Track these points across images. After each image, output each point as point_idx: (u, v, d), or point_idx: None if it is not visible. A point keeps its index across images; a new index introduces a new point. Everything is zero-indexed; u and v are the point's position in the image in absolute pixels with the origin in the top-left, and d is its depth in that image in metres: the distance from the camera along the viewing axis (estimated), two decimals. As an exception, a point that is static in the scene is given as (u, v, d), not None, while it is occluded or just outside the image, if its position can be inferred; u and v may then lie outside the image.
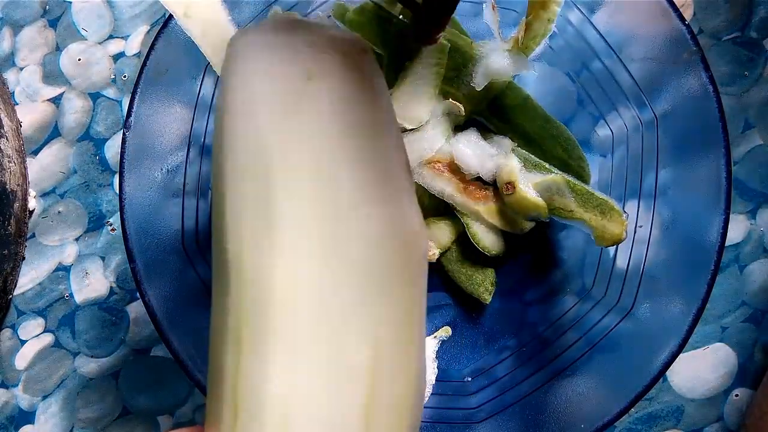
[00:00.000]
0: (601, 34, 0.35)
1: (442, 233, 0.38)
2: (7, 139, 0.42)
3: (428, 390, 0.36)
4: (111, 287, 0.43)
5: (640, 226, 0.35)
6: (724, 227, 0.30)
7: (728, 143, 0.30)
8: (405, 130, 0.36)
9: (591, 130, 0.39)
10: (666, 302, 0.32)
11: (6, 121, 0.42)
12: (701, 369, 0.41)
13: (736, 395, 0.41)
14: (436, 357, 0.38)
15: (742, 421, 0.40)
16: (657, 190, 0.35)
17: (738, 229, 0.42)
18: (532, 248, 0.40)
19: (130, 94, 0.32)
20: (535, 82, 0.40)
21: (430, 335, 0.39)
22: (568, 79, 0.39)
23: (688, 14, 0.42)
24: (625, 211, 0.34)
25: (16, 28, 0.45)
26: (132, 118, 0.32)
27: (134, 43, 0.45)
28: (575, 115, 0.40)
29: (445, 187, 0.37)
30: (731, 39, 0.42)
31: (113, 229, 0.44)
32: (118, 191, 0.33)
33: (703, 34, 0.42)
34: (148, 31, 0.45)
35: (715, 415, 0.41)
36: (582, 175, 0.38)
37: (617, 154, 0.38)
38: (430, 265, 0.39)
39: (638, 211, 0.36)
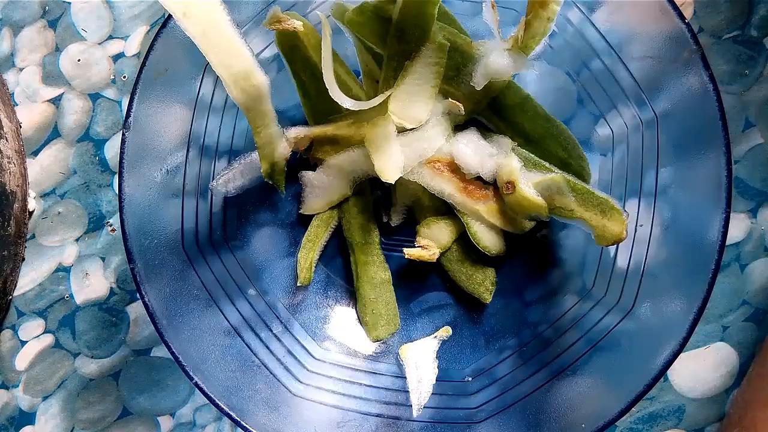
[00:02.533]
0: (601, 33, 0.35)
1: (442, 233, 0.38)
2: (6, 140, 0.42)
3: (428, 390, 0.36)
4: (111, 288, 0.43)
5: (641, 225, 0.35)
6: (724, 226, 0.30)
7: (729, 142, 0.30)
8: (405, 130, 0.36)
9: (591, 129, 0.39)
10: (667, 301, 0.32)
11: (6, 122, 0.42)
12: (702, 368, 0.41)
13: (738, 394, 0.41)
14: (437, 357, 0.38)
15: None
16: (657, 189, 0.35)
17: (739, 227, 0.42)
18: (532, 248, 0.40)
19: (130, 95, 0.32)
20: (535, 81, 0.40)
21: (430, 335, 0.39)
22: (568, 78, 0.39)
23: (688, 13, 0.42)
24: (625, 210, 0.34)
25: (16, 28, 0.45)
26: (131, 119, 0.32)
27: (134, 43, 0.45)
28: (575, 114, 0.40)
29: (445, 186, 0.37)
30: (732, 37, 0.42)
31: (113, 230, 0.44)
32: (117, 192, 0.33)
33: (703, 33, 0.42)
34: (147, 32, 0.45)
35: (716, 415, 0.41)
36: (582, 175, 0.37)
37: (617, 153, 0.38)
38: (431, 264, 0.39)
39: (639, 210, 0.36)
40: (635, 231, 0.35)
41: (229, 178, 0.38)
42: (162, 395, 0.42)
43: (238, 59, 0.32)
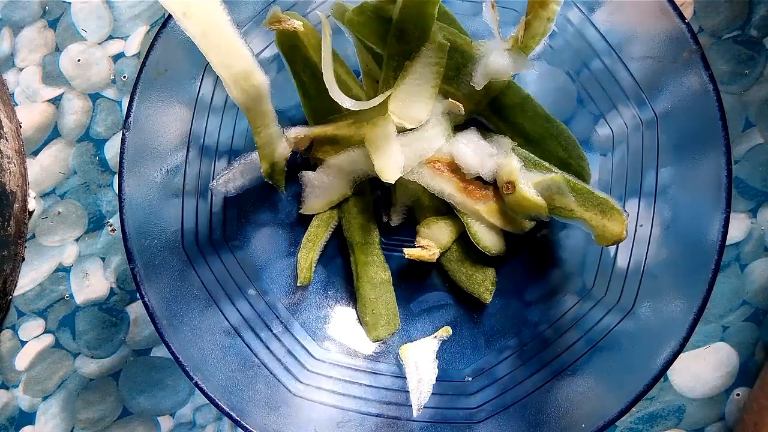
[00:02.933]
0: (601, 33, 0.35)
1: (442, 233, 0.38)
2: (6, 140, 0.42)
3: (428, 390, 0.36)
4: (111, 288, 0.43)
5: (641, 225, 0.35)
6: (724, 226, 0.30)
7: (728, 142, 0.30)
8: (405, 130, 0.36)
9: (591, 129, 0.39)
10: (667, 301, 0.32)
11: (6, 123, 0.42)
12: (702, 368, 0.41)
13: (737, 395, 0.41)
14: (437, 357, 0.38)
15: (740, 415, 0.40)
16: (657, 189, 0.35)
17: (739, 227, 0.41)
18: (532, 248, 0.40)
19: (130, 95, 0.32)
20: (535, 81, 0.40)
21: (430, 335, 0.39)
22: (568, 78, 0.39)
23: (688, 13, 0.42)
24: (625, 210, 0.34)
25: (16, 28, 0.45)
26: (131, 119, 0.32)
27: (134, 43, 0.45)
28: (575, 114, 0.40)
29: (445, 186, 0.37)
30: (732, 37, 0.42)
31: (113, 230, 0.44)
32: (117, 192, 0.33)
33: (703, 33, 0.42)
34: (147, 32, 0.45)
35: (716, 415, 0.41)
36: (582, 175, 0.37)
37: (617, 153, 0.38)
38: (431, 264, 0.39)
39: (639, 210, 0.36)
40: (635, 231, 0.35)
41: (229, 178, 0.38)
42: (162, 395, 0.42)
43: (238, 59, 0.32)
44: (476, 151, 0.37)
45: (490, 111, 0.38)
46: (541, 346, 0.38)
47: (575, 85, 0.39)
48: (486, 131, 0.38)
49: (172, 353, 0.32)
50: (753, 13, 0.42)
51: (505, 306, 0.40)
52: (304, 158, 0.40)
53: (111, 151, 0.44)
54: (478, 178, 0.38)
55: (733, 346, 0.41)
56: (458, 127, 0.38)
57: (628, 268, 0.36)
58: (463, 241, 0.39)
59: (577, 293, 0.39)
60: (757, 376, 0.41)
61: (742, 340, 0.41)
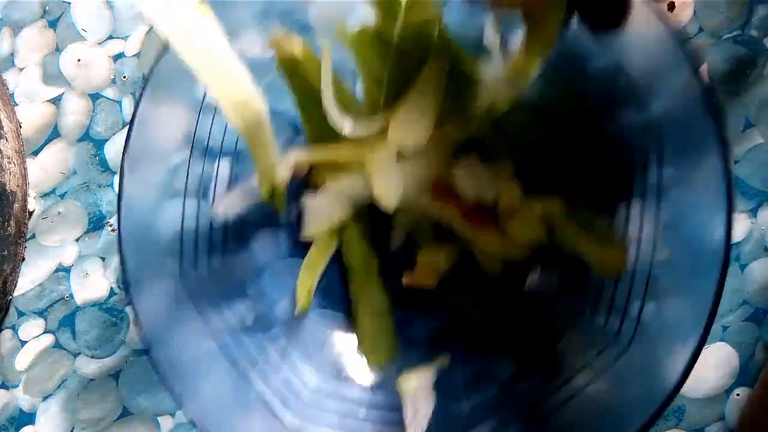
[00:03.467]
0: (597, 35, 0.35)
1: (442, 258, 0.38)
2: (6, 140, 0.42)
3: (425, 423, 0.35)
4: (111, 288, 0.43)
5: (642, 228, 0.35)
6: (727, 228, 0.30)
7: (727, 142, 0.30)
8: (405, 155, 0.36)
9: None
10: (672, 307, 0.32)
11: (6, 123, 0.42)
12: (702, 368, 0.41)
13: (738, 395, 0.41)
14: (435, 387, 0.37)
15: (740, 415, 0.40)
16: (658, 190, 0.34)
17: (739, 227, 0.42)
18: (533, 253, 0.40)
19: (133, 96, 0.32)
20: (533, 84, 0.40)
21: (428, 363, 0.38)
22: (568, 80, 0.39)
23: (688, 13, 0.42)
24: (625, 241, 0.34)
25: (16, 28, 0.45)
26: (134, 123, 0.32)
27: (134, 43, 0.45)
28: (575, 116, 0.40)
29: (445, 211, 0.37)
30: (732, 37, 0.42)
31: (113, 230, 0.44)
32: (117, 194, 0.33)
33: (703, 33, 0.42)
34: (147, 32, 0.45)
35: (716, 415, 0.41)
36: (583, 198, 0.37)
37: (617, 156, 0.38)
38: (430, 290, 0.38)
39: (640, 212, 0.35)
40: (639, 235, 0.35)
41: (229, 205, 0.37)
42: (162, 395, 0.42)
43: (237, 85, 0.32)
44: (476, 176, 0.36)
45: (492, 133, 0.37)
46: (541, 354, 0.37)
47: (575, 86, 0.39)
48: (486, 154, 0.38)
49: (161, 375, 0.31)
50: (753, 13, 0.42)
51: (504, 312, 0.40)
52: (304, 181, 0.39)
53: (111, 151, 0.44)
54: (479, 203, 0.37)
55: (733, 346, 0.41)
56: (459, 150, 0.37)
57: (631, 271, 0.35)
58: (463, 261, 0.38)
59: (578, 298, 0.38)
60: (757, 376, 0.41)
61: (742, 340, 0.41)
